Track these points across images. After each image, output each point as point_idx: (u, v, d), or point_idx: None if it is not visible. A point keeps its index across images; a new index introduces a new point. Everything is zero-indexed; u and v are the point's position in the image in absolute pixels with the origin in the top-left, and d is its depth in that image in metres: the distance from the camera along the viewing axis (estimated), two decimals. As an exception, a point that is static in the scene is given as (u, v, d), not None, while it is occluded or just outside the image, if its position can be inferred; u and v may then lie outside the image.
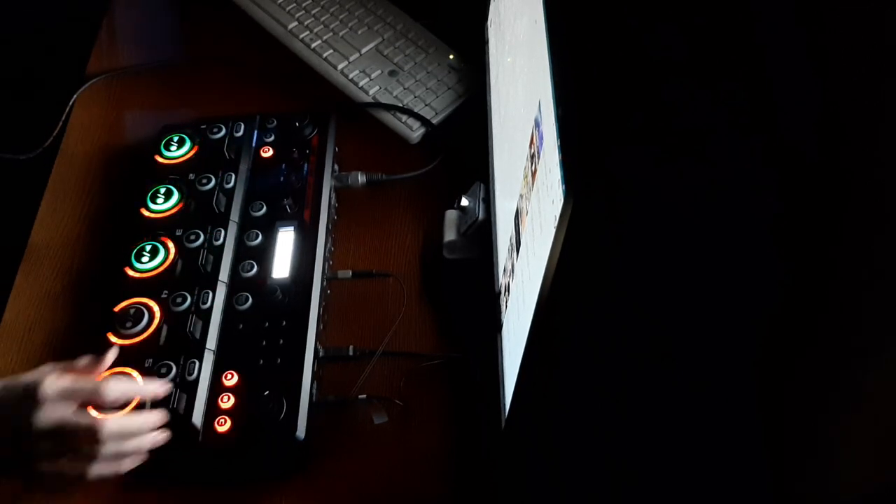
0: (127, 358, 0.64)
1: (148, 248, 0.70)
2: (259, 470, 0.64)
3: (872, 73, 0.55)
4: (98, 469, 0.55)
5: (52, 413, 0.54)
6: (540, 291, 0.51)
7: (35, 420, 0.53)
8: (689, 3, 0.67)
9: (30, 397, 0.54)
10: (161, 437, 0.58)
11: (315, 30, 0.89)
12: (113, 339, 0.65)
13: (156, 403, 0.61)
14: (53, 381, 0.54)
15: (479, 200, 0.75)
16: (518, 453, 0.63)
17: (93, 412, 0.56)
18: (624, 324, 0.65)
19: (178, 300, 0.67)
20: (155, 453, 0.59)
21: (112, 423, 0.55)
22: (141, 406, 0.60)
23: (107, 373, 0.61)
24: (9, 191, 0.82)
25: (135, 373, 0.62)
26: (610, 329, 0.65)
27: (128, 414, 0.58)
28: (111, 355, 0.59)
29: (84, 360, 0.58)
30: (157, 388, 0.60)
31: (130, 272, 0.69)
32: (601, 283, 0.63)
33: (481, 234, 0.74)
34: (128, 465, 0.57)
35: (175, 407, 0.61)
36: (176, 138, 0.78)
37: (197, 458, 0.62)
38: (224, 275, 0.70)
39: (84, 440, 0.54)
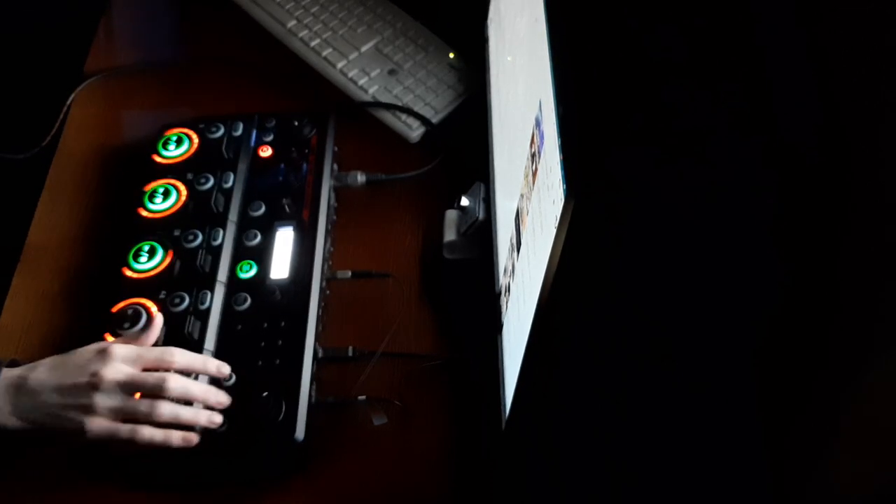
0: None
1: (146, 248, 0.70)
2: (258, 471, 0.64)
3: (872, 74, 0.55)
4: (149, 432, 0.57)
5: (123, 367, 0.57)
6: (540, 292, 0.51)
7: (106, 372, 0.56)
8: (689, 4, 0.67)
9: (103, 354, 0.57)
10: (217, 419, 0.60)
11: (314, 28, 0.89)
12: (111, 339, 0.65)
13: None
14: (122, 347, 0.58)
15: (480, 200, 0.75)
16: (518, 453, 0.63)
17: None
18: (624, 324, 0.65)
19: (177, 301, 0.67)
20: (154, 454, 0.59)
21: (178, 379, 0.58)
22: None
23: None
24: (6, 190, 0.81)
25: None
26: (610, 329, 0.65)
27: (191, 381, 0.60)
28: (158, 321, 0.63)
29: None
30: (217, 392, 0.61)
31: (128, 272, 0.69)
32: (602, 284, 0.63)
33: (481, 234, 0.74)
34: (177, 439, 0.58)
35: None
36: (174, 137, 0.77)
37: (196, 459, 0.62)
38: (222, 275, 0.69)
39: (148, 395, 0.57)
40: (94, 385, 0.56)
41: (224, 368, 0.62)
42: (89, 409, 0.56)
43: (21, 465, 0.63)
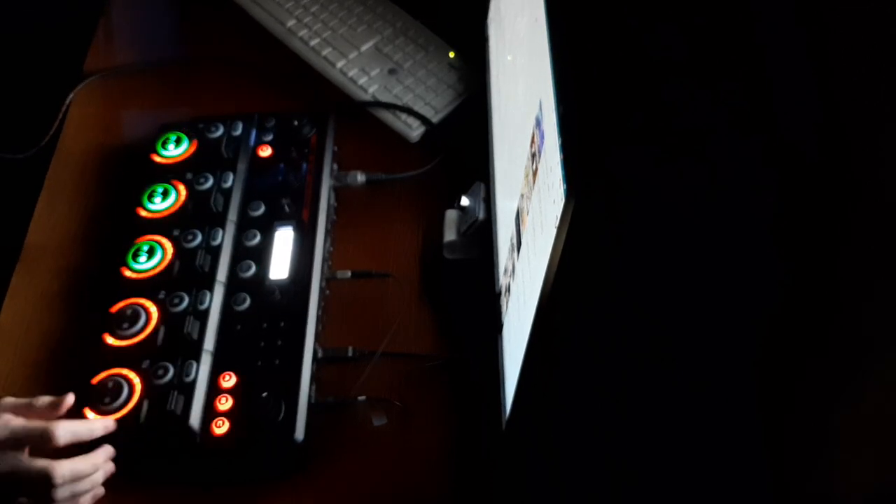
0: (124, 359, 0.64)
1: (145, 248, 0.70)
2: (258, 471, 0.63)
3: (872, 73, 0.55)
4: None
5: (3, 459, 0.54)
6: (541, 291, 0.51)
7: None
8: (689, 3, 0.67)
9: None
10: (110, 467, 0.59)
11: (314, 28, 0.89)
12: (110, 339, 0.65)
13: (152, 405, 0.61)
14: (5, 426, 0.55)
15: (480, 200, 0.75)
16: (518, 453, 0.63)
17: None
18: (624, 324, 0.65)
19: (176, 301, 0.67)
20: (154, 455, 0.59)
21: (64, 467, 0.55)
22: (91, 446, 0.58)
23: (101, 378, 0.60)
24: (5, 190, 0.81)
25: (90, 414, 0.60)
26: (610, 329, 0.65)
27: (77, 458, 0.57)
28: (69, 400, 0.58)
29: (43, 400, 0.57)
30: (105, 424, 0.59)
31: (127, 272, 0.69)
32: (602, 283, 0.63)
33: (482, 234, 0.74)
34: (87, 502, 0.57)
35: (173, 409, 0.61)
36: (173, 137, 0.77)
37: (195, 460, 0.62)
38: (222, 275, 0.69)
39: (38, 485, 0.55)
40: None
41: (109, 426, 0.59)
42: None
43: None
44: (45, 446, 0.55)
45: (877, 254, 0.54)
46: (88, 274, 0.74)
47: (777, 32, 0.65)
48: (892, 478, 0.52)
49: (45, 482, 0.55)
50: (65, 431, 0.56)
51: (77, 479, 0.56)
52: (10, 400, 0.58)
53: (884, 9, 0.53)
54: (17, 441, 0.55)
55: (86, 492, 0.57)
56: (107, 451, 0.59)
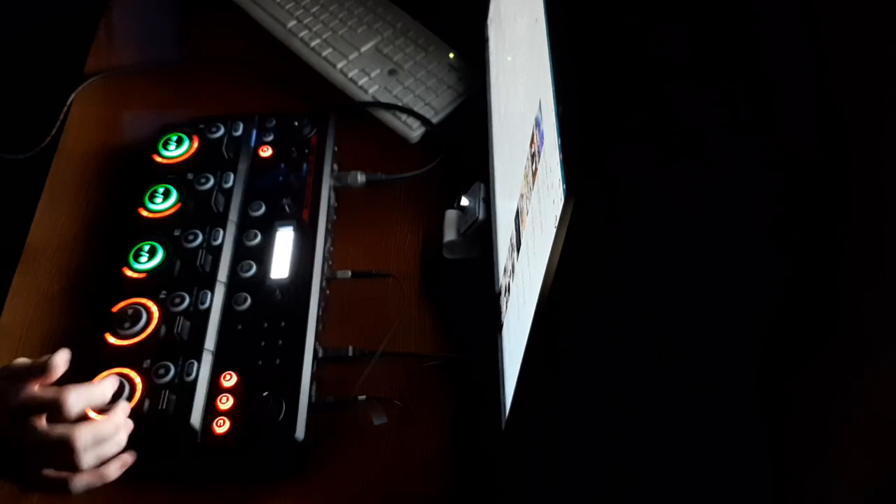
0: (125, 359, 0.64)
1: (146, 248, 0.70)
2: (258, 471, 0.64)
3: (873, 73, 0.55)
4: (83, 480, 0.55)
5: (24, 429, 0.53)
6: (540, 291, 0.51)
7: (11, 436, 0.53)
8: (689, 3, 0.67)
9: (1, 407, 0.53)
10: (131, 424, 0.57)
11: (314, 28, 0.89)
12: (111, 339, 0.65)
13: (154, 404, 0.61)
14: (15, 395, 0.53)
15: (480, 200, 0.75)
16: (518, 453, 0.63)
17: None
18: (624, 324, 0.65)
19: (177, 300, 0.67)
20: (154, 455, 0.59)
21: (84, 431, 0.54)
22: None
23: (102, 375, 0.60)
24: (6, 190, 0.81)
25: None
26: (610, 329, 0.65)
27: (96, 420, 0.56)
28: (62, 357, 0.56)
29: (44, 360, 0.55)
30: (113, 382, 0.58)
31: (128, 272, 0.69)
32: (602, 283, 0.63)
33: (481, 234, 0.74)
34: (114, 471, 0.56)
35: (174, 408, 0.61)
36: (174, 137, 0.77)
37: (195, 460, 0.62)
38: (223, 275, 0.69)
39: (62, 453, 0.54)
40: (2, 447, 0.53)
41: (115, 382, 0.58)
42: (17, 464, 0.53)
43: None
44: (59, 415, 0.53)
45: (877, 254, 0.54)
46: (90, 274, 0.74)
47: (777, 32, 0.65)
48: (892, 477, 0.52)
49: (68, 449, 0.53)
50: (77, 398, 0.54)
51: (100, 441, 0.55)
52: (20, 361, 0.56)
53: (884, 9, 0.53)
54: (30, 409, 0.53)
55: (112, 455, 0.56)
56: (124, 407, 0.58)
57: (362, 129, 0.83)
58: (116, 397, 0.59)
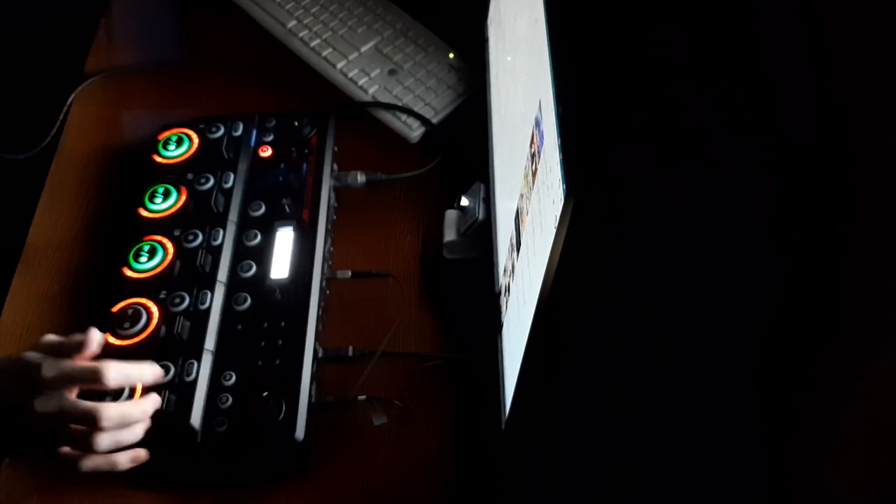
0: (125, 359, 0.63)
1: (146, 248, 0.70)
2: (258, 471, 0.63)
3: (873, 73, 0.54)
4: (93, 461, 0.55)
5: (51, 398, 0.53)
6: (540, 291, 0.51)
7: (36, 403, 0.53)
8: (689, 3, 0.67)
9: (29, 378, 0.54)
10: (148, 423, 0.58)
11: (314, 28, 0.89)
12: (111, 339, 0.65)
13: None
14: (53, 365, 0.54)
15: (479, 200, 0.75)
16: (518, 453, 0.63)
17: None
18: (625, 324, 0.65)
19: (177, 300, 0.67)
20: (154, 455, 0.59)
21: (112, 409, 0.55)
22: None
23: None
24: (6, 190, 0.81)
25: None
26: (610, 329, 0.65)
27: (126, 402, 0.57)
28: (97, 334, 0.57)
29: (79, 337, 0.57)
30: (154, 371, 0.59)
31: (128, 272, 0.69)
32: (602, 283, 0.63)
33: (481, 234, 0.74)
34: (125, 461, 0.56)
35: (174, 408, 0.61)
36: (174, 138, 0.77)
37: (195, 459, 0.62)
38: (223, 275, 0.69)
39: (85, 423, 0.54)
40: (26, 416, 0.53)
41: (157, 370, 0.59)
42: (24, 435, 0.54)
43: (21, 464, 0.63)
44: (96, 386, 0.54)
45: (877, 253, 0.54)
46: (90, 274, 0.74)
47: (777, 32, 0.65)
48: (893, 477, 0.52)
49: (92, 422, 0.54)
50: (116, 372, 0.55)
51: (124, 424, 0.55)
52: (50, 337, 0.57)
53: (884, 8, 0.53)
54: (67, 379, 0.53)
55: (127, 444, 0.56)
56: (155, 399, 0.58)
57: (362, 129, 0.83)
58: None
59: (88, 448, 0.55)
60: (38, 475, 0.63)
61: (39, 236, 0.77)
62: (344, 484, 0.64)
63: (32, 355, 0.55)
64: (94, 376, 0.54)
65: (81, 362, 0.55)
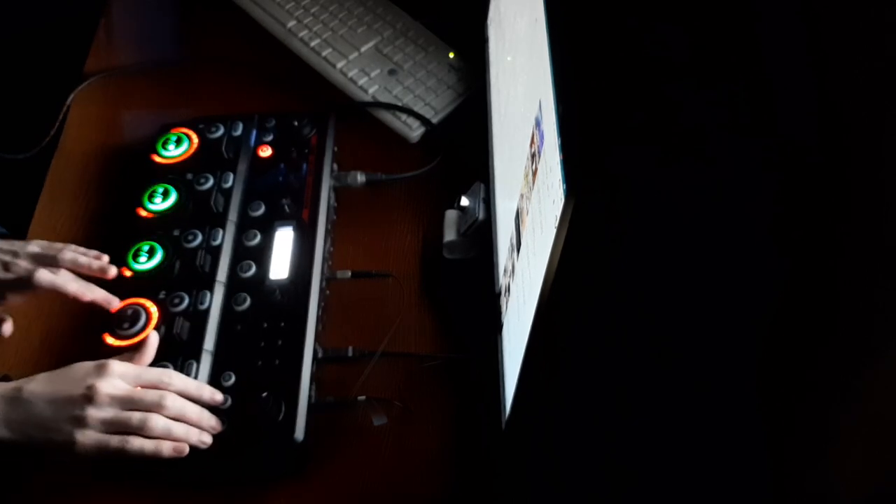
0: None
1: (145, 247, 0.70)
2: (258, 471, 0.63)
3: (873, 73, 0.54)
4: (139, 443, 0.57)
5: (120, 383, 0.58)
6: (541, 291, 0.51)
7: (102, 385, 0.56)
8: (689, 3, 0.67)
9: (100, 369, 0.57)
10: (207, 439, 0.59)
11: (314, 28, 0.89)
12: (110, 339, 0.65)
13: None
14: (121, 364, 0.59)
15: (480, 200, 0.75)
16: (518, 453, 0.63)
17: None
18: (624, 324, 0.65)
19: (176, 301, 0.67)
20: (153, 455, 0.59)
21: (175, 398, 0.58)
22: None
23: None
24: (6, 190, 0.81)
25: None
26: (611, 329, 0.65)
27: (188, 403, 0.60)
28: (154, 340, 0.63)
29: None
30: (213, 393, 0.62)
31: (128, 272, 0.69)
32: (602, 283, 0.63)
33: (481, 234, 0.74)
34: (167, 449, 0.58)
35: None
36: (174, 137, 0.77)
37: (195, 460, 0.62)
38: (222, 275, 0.69)
39: (146, 406, 0.57)
40: (89, 398, 0.56)
41: (217, 396, 0.61)
42: (81, 422, 0.55)
43: (20, 463, 0.63)
44: (152, 410, 0.58)
45: (877, 253, 0.54)
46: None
47: (777, 32, 0.65)
48: (893, 477, 0.52)
49: (155, 404, 0.57)
50: (175, 403, 0.59)
51: (180, 416, 0.58)
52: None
53: (884, 8, 0.53)
54: (128, 404, 0.57)
55: (175, 437, 0.58)
56: (215, 421, 0.60)
57: (362, 129, 0.83)
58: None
59: (141, 429, 0.57)
60: (38, 473, 0.63)
61: (39, 236, 0.76)
62: (344, 484, 0.64)
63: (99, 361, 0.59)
64: (162, 384, 0.59)
65: (146, 392, 0.59)
